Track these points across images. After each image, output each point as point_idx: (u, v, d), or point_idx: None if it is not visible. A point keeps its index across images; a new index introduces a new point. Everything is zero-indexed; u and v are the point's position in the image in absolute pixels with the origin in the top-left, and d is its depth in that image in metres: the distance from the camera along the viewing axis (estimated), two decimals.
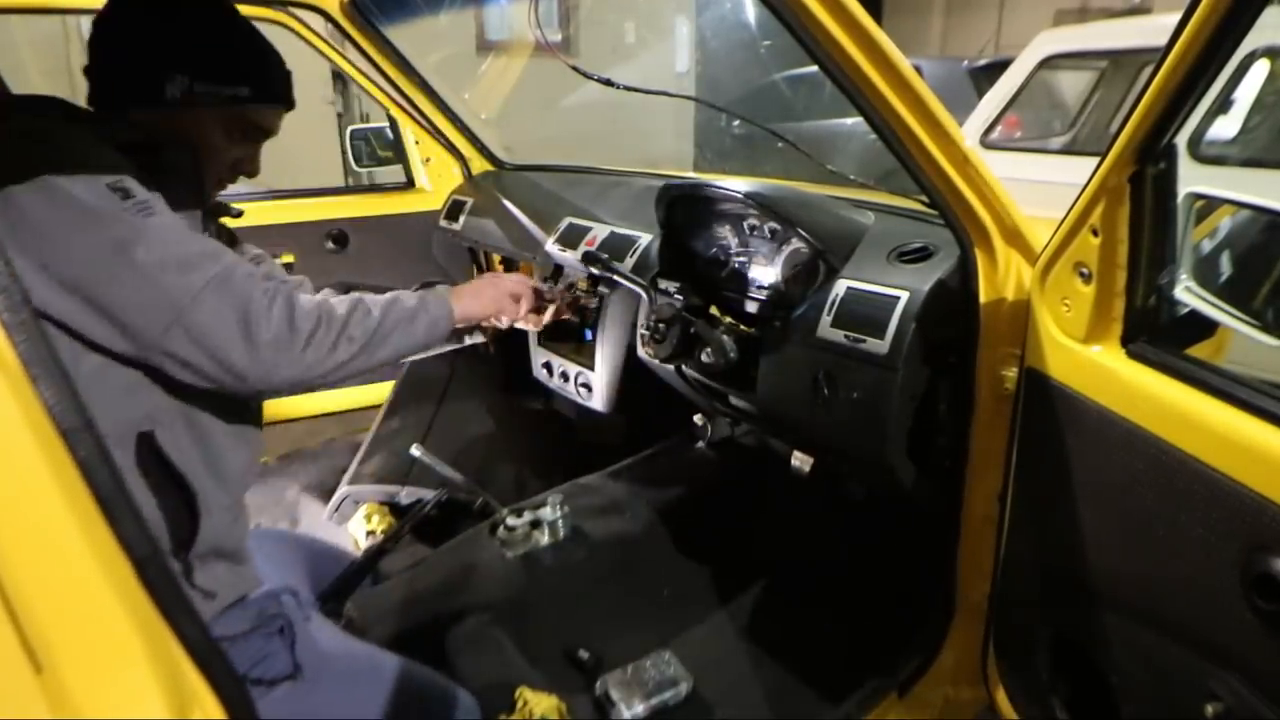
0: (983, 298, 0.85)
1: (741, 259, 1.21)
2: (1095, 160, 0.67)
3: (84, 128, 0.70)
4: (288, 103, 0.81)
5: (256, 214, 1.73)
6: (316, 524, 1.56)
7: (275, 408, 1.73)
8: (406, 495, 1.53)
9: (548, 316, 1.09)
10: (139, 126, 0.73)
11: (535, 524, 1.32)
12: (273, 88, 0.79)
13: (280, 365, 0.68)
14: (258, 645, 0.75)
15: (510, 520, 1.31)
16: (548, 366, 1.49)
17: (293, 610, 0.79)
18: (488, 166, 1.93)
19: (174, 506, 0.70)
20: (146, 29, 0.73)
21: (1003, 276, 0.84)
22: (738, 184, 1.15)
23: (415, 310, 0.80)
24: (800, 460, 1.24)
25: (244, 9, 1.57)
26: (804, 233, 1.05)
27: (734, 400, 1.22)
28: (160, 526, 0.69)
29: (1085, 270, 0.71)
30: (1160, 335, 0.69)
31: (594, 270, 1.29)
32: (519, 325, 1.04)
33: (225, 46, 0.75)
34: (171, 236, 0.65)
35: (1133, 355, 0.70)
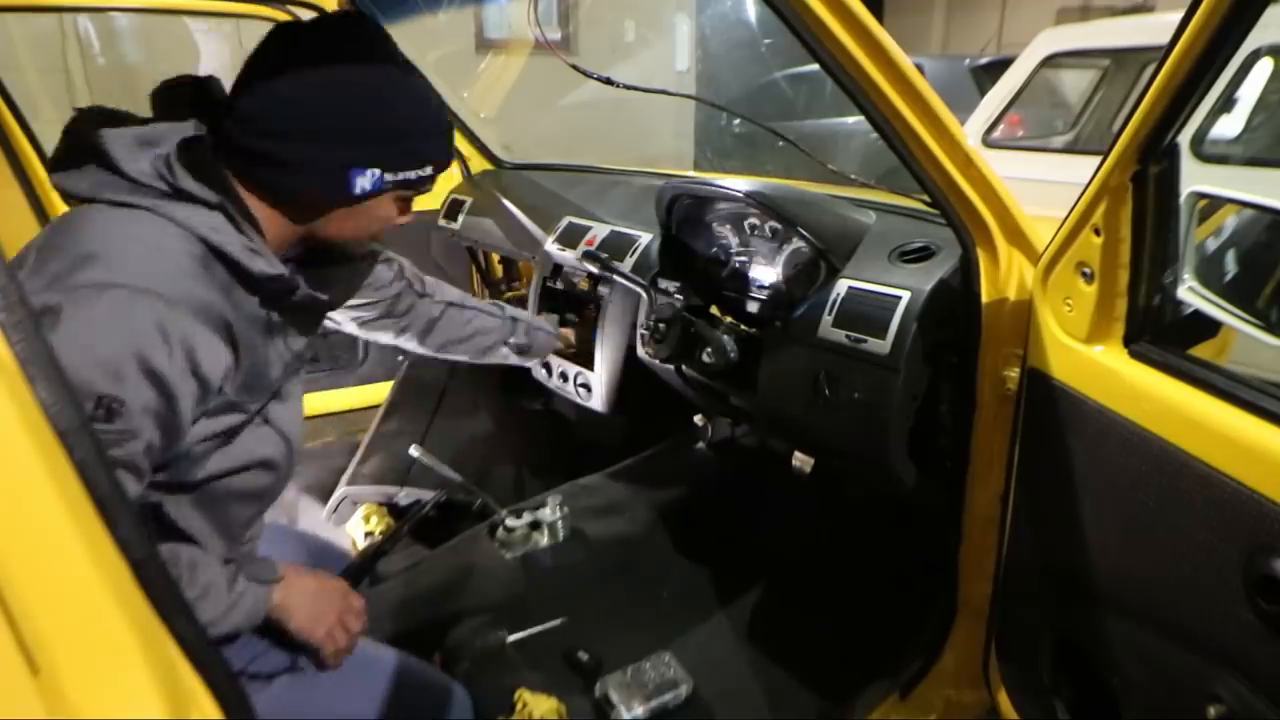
0: (984, 297, 0.84)
1: (742, 258, 1.21)
2: (1098, 159, 0.67)
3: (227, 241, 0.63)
4: (449, 159, 0.77)
5: None
6: (315, 525, 1.55)
7: None
8: (405, 496, 1.53)
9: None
10: (299, 220, 0.69)
11: (534, 525, 1.32)
12: (448, 151, 0.75)
13: None
14: (254, 641, 0.75)
15: (509, 521, 1.31)
16: (547, 367, 1.48)
17: None
18: (487, 165, 1.93)
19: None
20: (331, 122, 0.65)
21: (1005, 276, 0.84)
22: (738, 183, 1.15)
23: (226, 606, 0.66)
24: (801, 461, 1.23)
25: (244, 8, 1.56)
26: (805, 232, 1.05)
27: (734, 400, 1.22)
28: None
29: (1088, 270, 0.71)
30: (1163, 335, 0.69)
31: (593, 269, 1.29)
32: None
33: (418, 121, 0.70)
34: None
35: (1135, 355, 0.69)
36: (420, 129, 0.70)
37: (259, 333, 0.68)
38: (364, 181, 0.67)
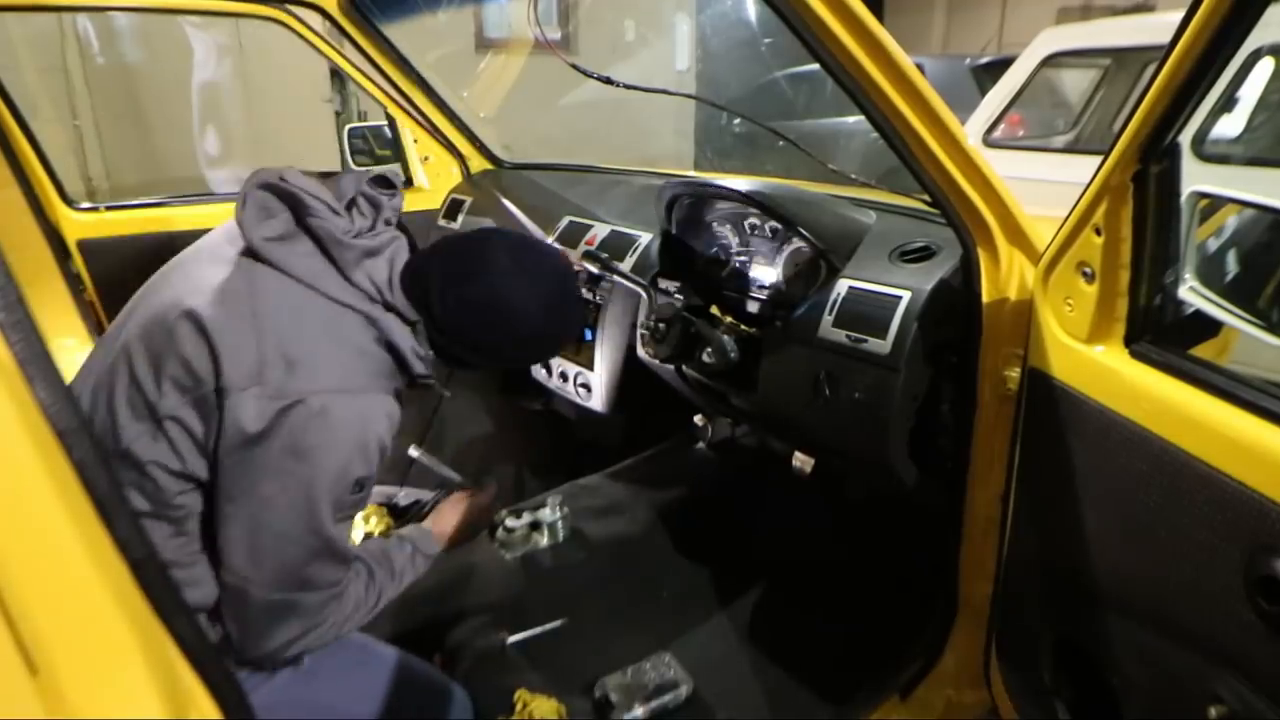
0: (985, 297, 0.84)
1: (742, 258, 1.21)
2: (1098, 159, 0.67)
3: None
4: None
5: None
6: None
7: None
8: (405, 496, 1.53)
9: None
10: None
11: (534, 525, 1.32)
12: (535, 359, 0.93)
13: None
14: None
15: (509, 521, 1.31)
16: (547, 367, 1.48)
17: None
18: (486, 165, 1.93)
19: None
20: (518, 326, 0.81)
21: (1005, 276, 0.83)
22: (738, 183, 1.15)
23: (403, 570, 0.87)
24: (801, 461, 1.23)
25: (244, 7, 1.56)
26: (805, 232, 1.04)
27: (734, 400, 1.21)
28: (214, 586, 0.73)
29: (1088, 270, 0.71)
30: (1164, 335, 0.69)
31: (593, 269, 1.29)
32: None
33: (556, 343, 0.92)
34: (343, 529, 0.75)
35: (1136, 355, 0.69)
36: (555, 344, 0.92)
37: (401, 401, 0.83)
38: (465, 368, 0.88)
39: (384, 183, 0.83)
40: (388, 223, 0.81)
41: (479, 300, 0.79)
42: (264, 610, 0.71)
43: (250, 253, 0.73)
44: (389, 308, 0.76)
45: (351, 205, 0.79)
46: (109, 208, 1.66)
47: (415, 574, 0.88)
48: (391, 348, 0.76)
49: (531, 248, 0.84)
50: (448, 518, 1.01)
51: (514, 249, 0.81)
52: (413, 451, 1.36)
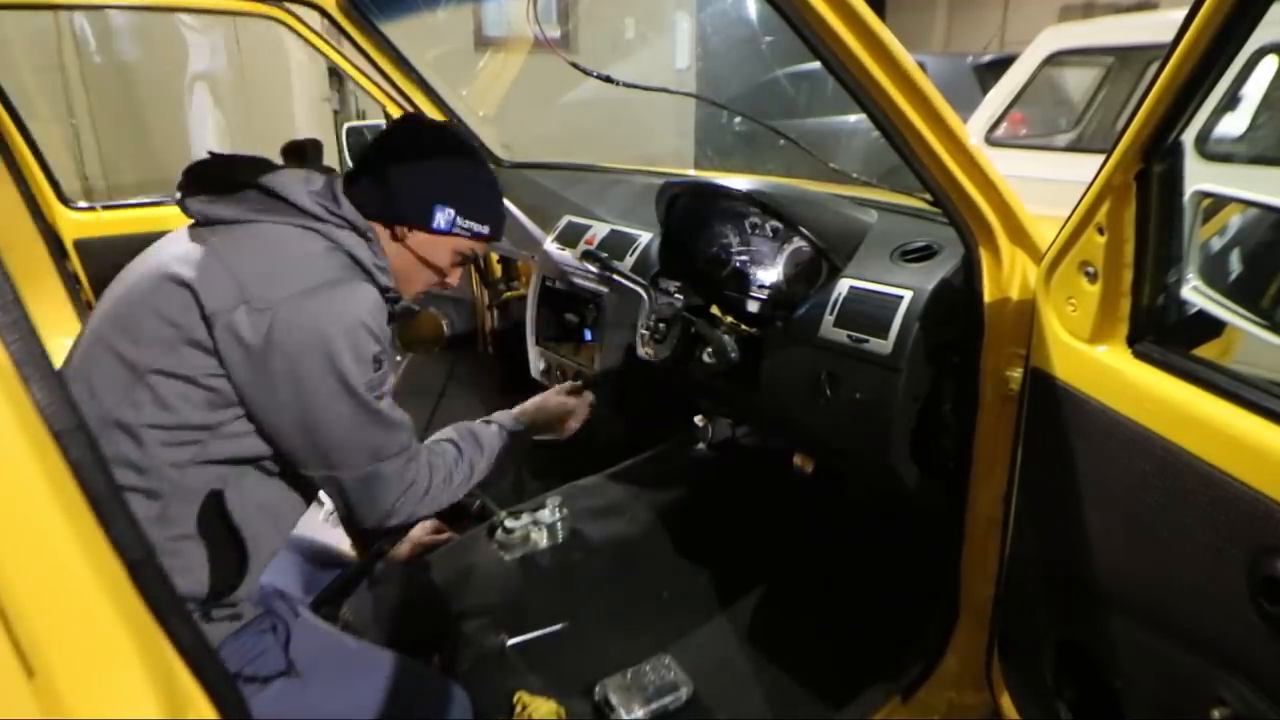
0: (987, 297, 0.84)
1: (743, 258, 1.21)
2: (1101, 158, 0.66)
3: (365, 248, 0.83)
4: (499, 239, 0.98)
5: None
6: (312, 526, 1.55)
7: None
8: None
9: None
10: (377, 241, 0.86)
11: (534, 526, 1.31)
12: (500, 230, 0.95)
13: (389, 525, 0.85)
14: (250, 643, 0.76)
15: (509, 522, 1.31)
16: (546, 367, 1.48)
17: (281, 611, 0.79)
18: None
19: (224, 558, 0.77)
20: (427, 167, 0.87)
21: (1007, 275, 0.83)
22: (739, 182, 1.14)
23: (490, 445, 1.01)
24: (802, 462, 1.23)
25: (244, 6, 1.55)
26: (806, 231, 1.04)
27: (735, 401, 1.21)
28: (204, 573, 0.75)
29: (1091, 269, 0.71)
30: (1167, 335, 0.69)
31: (593, 269, 1.28)
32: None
33: (482, 194, 0.92)
34: (386, 401, 0.81)
35: (1139, 355, 0.69)
36: (486, 201, 0.92)
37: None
38: (441, 217, 0.87)
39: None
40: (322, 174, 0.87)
41: (413, 155, 0.84)
42: (355, 489, 0.80)
43: (201, 221, 0.80)
44: (341, 222, 0.81)
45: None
46: (106, 207, 1.66)
47: (503, 447, 1.01)
48: (351, 257, 0.81)
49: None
50: (538, 403, 1.13)
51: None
52: None
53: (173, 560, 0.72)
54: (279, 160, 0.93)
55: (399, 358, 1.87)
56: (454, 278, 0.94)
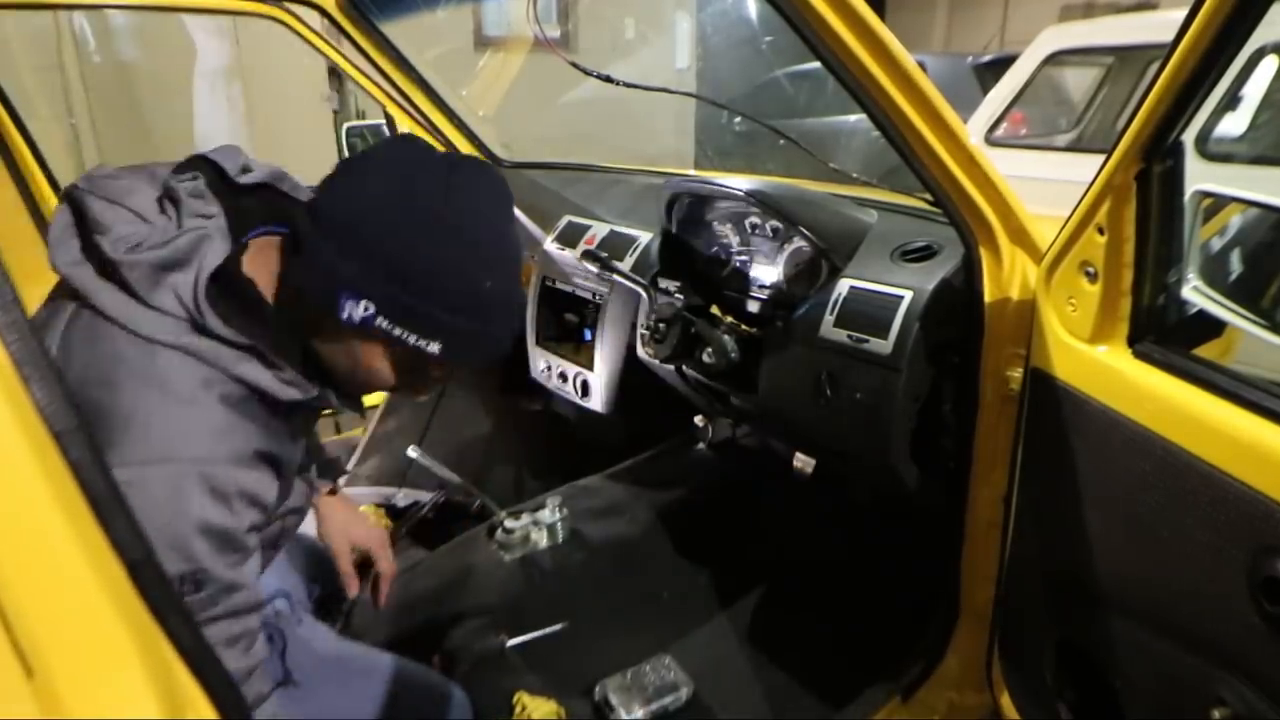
0: (987, 297, 0.84)
1: (743, 258, 1.21)
2: (1101, 158, 0.66)
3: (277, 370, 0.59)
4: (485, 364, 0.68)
5: None
6: (312, 526, 1.55)
7: None
8: (404, 497, 1.53)
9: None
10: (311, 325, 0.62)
11: (534, 526, 1.31)
12: (475, 359, 0.65)
13: None
14: None
15: (508, 522, 1.31)
16: (546, 367, 1.48)
17: (285, 615, 0.79)
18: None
19: None
20: (360, 234, 0.59)
21: (1008, 275, 0.83)
22: (739, 182, 1.14)
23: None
24: (802, 462, 1.23)
25: (242, 5, 1.56)
26: (806, 231, 1.04)
27: (735, 401, 1.21)
28: None
29: (1091, 269, 0.71)
30: (1167, 335, 0.69)
31: (593, 269, 1.28)
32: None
33: (443, 300, 0.61)
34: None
35: (1139, 355, 0.69)
36: (454, 302, 0.60)
37: (289, 442, 0.65)
38: (353, 309, 0.58)
39: (198, 162, 0.65)
40: (196, 214, 0.61)
41: (369, 184, 0.58)
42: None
43: (62, 284, 0.59)
44: (206, 333, 0.57)
45: (163, 201, 0.61)
46: None
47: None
48: (237, 380, 0.58)
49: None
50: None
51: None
52: (411, 452, 1.36)
53: None
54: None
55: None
56: (416, 393, 0.69)
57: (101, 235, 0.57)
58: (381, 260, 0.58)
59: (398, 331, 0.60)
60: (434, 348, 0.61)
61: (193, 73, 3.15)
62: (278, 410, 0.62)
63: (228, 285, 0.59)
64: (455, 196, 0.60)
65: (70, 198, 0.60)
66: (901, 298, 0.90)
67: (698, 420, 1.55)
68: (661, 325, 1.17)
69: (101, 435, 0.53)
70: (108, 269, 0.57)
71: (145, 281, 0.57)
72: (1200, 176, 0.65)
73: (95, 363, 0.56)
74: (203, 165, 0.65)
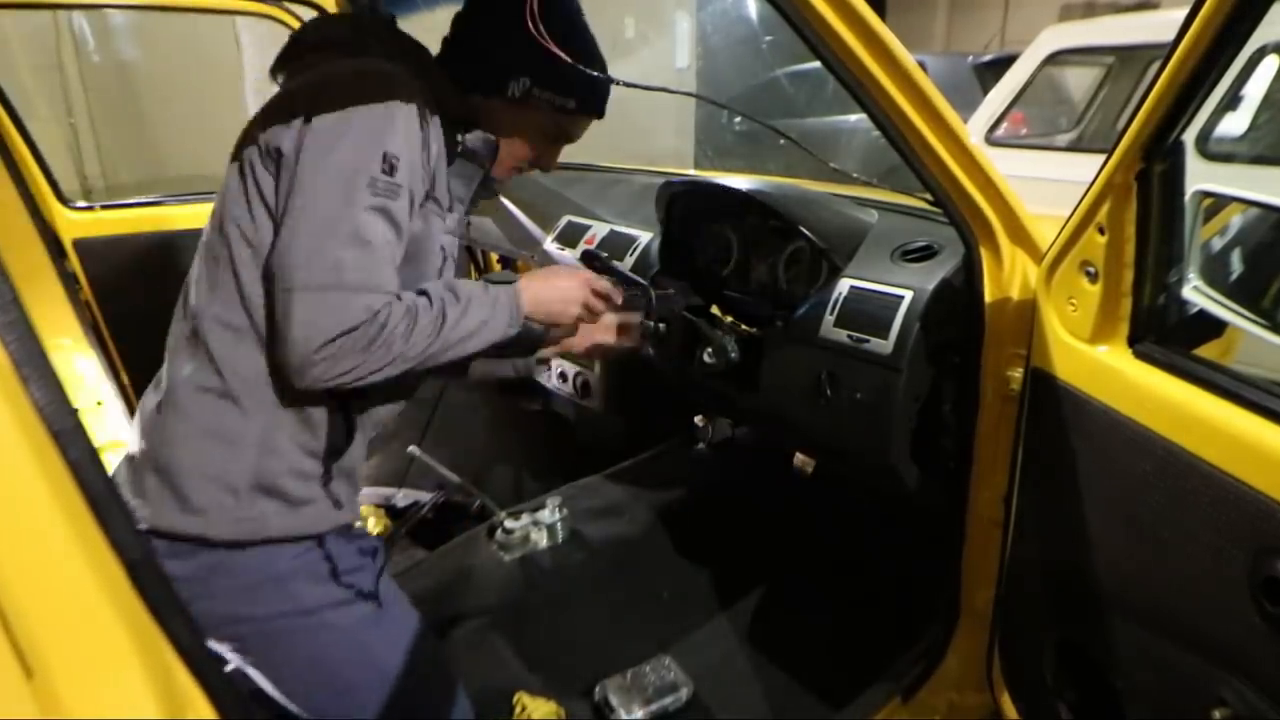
0: (988, 297, 0.84)
1: (743, 258, 1.21)
2: (1102, 157, 0.66)
3: (425, 88, 0.76)
4: (601, 115, 0.89)
5: None
6: None
7: None
8: (403, 497, 1.53)
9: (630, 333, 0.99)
10: (468, 105, 0.81)
11: (534, 526, 1.31)
12: (595, 104, 0.86)
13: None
14: (355, 553, 0.77)
15: (508, 523, 1.31)
16: (547, 366, 1.48)
17: (380, 547, 0.81)
18: None
19: (338, 425, 0.75)
20: (504, 30, 0.80)
21: (1008, 275, 0.83)
22: (739, 182, 1.14)
23: (471, 299, 0.76)
24: (802, 462, 1.23)
25: (242, 5, 1.55)
26: (806, 231, 1.04)
27: (735, 401, 1.21)
28: (321, 436, 0.74)
29: (1092, 269, 0.71)
30: (1168, 335, 0.69)
31: (593, 270, 1.28)
32: (603, 341, 0.97)
33: (566, 60, 0.80)
34: (379, 227, 0.70)
35: (1140, 355, 0.69)
36: (580, 62, 0.80)
37: (438, 166, 0.79)
38: (515, 87, 0.80)
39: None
40: None
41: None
42: (301, 305, 0.65)
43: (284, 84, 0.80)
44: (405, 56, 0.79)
45: None
46: (105, 207, 1.65)
47: (493, 315, 0.76)
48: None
49: None
50: (542, 278, 0.85)
51: None
52: (411, 452, 1.36)
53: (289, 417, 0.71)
54: None
55: None
56: (551, 162, 0.89)
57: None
58: (528, 42, 0.77)
59: (547, 95, 0.81)
60: (570, 104, 0.83)
61: (193, 72, 3.15)
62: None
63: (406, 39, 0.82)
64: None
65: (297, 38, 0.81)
66: (902, 298, 0.90)
67: (698, 420, 1.55)
68: (662, 325, 1.17)
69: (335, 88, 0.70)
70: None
71: (357, 40, 0.78)
72: (1201, 176, 0.65)
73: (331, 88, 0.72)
74: None
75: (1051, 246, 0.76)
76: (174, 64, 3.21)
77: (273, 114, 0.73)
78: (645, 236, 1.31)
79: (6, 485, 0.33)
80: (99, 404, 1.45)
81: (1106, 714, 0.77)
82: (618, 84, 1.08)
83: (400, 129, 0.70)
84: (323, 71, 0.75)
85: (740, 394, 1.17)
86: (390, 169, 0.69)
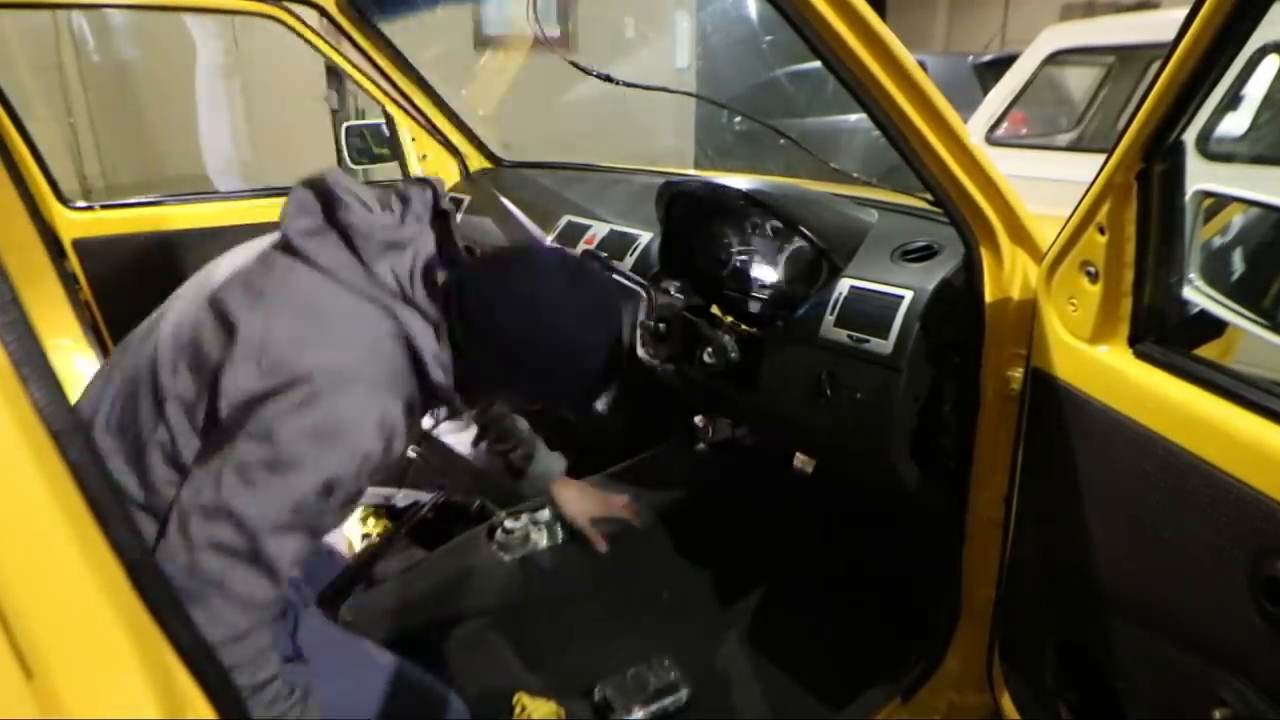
0: (988, 297, 0.84)
1: (743, 258, 1.21)
2: (1102, 157, 0.66)
3: None
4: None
5: (250, 212, 1.72)
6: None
7: None
8: (403, 497, 1.53)
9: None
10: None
11: (534, 526, 1.31)
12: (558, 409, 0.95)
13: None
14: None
15: (508, 523, 1.30)
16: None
17: (294, 598, 0.79)
18: (485, 164, 1.92)
19: None
20: (592, 355, 0.79)
21: (1008, 275, 0.83)
22: (739, 181, 1.14)
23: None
24: (802, 462, 1.23)
25: (242, 4, 1.55)
26: (806, 231, 1.04)
27: (735, 401, 1.21)
28: None
29: (1092, 269, 0.71)
30: (1168, 335, 0.69)
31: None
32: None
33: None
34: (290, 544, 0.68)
35: (1140, 355, 0.69)
36: (561, 388, 0.83)
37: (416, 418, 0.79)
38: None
39: (422, 181, 0.83)
40: (417, 219, 0.79)
41: (517, 293, 0.75)
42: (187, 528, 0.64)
43: (283, 245, 0.74)
44: (410, 303, 0.73)
45: (386, 203, 0.79)
46: (104, 206, 1.65)
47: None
48: (410, 346, 0.73)
49: (581, 263, 0.85)
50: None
51: (562, 259, 0.82)
52: (410, 452, 1.36)
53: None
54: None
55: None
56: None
57: (343, 212, 0.73)
58: (605, 362, 0.79)
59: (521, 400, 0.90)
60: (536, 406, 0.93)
61: (192, 71, 3.15)
62: (422, 386, 0.76)
63: (431, 276, 0.76)
64: (566, 315, 0.77)
65: (309, 183, 0.75)
66: (902, 298, 0.90)
67: (698, 420, 1.55)
68: (662, 325, 1.17)
69: (291, 350, 0.67)
70: (345, 237, 0.73)
71: (375, 255, 0.73)
72: (1201, 176, 0.65)
73: (308, 305, 0.70)
74: (424, 184, 0.83)
75: (1052, 246, 0.76)
76: (174, 64, 3.21)
77: (246, 312, 0.69)
78: (645, 236, 1.31)
79: (6, 485, 0.33)
80: None
81: (1106, 714, 0.77)
82: (618, 84, 1.08)
83: (353, 454, 0.67)
84: (308, 290, 0.72)
85: (740, 394, 1.17)
86: (326, 492, 0.67)
